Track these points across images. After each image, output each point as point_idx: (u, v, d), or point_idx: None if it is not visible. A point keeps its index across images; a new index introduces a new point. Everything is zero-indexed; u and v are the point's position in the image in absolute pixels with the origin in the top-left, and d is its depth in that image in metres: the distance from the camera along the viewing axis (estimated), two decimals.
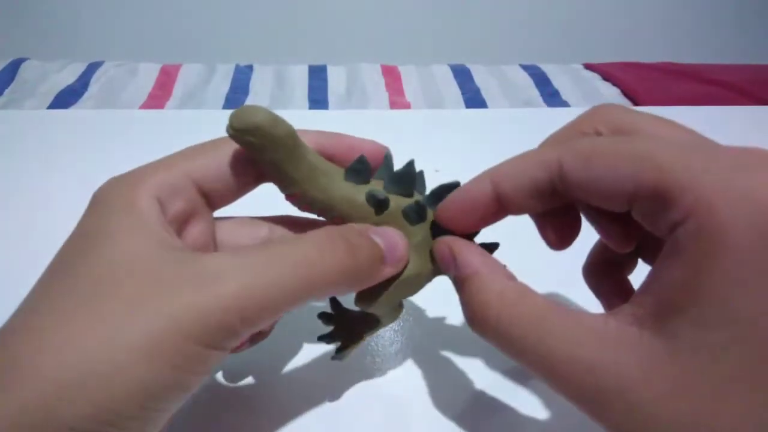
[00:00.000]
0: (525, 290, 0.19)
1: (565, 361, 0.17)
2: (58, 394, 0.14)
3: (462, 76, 0.62)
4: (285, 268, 0.17)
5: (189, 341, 0.15)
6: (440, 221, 0.22)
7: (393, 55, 0.75)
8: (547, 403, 0.26)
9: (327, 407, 0.26)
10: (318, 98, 0.58)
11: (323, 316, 0.25)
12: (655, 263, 0.17)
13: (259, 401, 0.26)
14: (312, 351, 0.28)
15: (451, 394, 0.27)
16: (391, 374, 0.27)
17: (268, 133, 0.19)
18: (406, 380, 0.27)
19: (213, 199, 0.21)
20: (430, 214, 0.22)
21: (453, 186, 0.22)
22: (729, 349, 0.14)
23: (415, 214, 0.22)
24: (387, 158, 0.22)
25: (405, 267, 0.22)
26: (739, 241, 0.14)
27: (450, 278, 0.21)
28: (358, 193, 0.21)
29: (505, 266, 0.21)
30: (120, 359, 0.15)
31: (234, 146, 0.21)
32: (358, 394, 0.26)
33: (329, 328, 0.25)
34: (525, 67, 0.65)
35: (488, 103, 0.58)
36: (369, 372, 0.27)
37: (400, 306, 0.24)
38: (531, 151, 0.20)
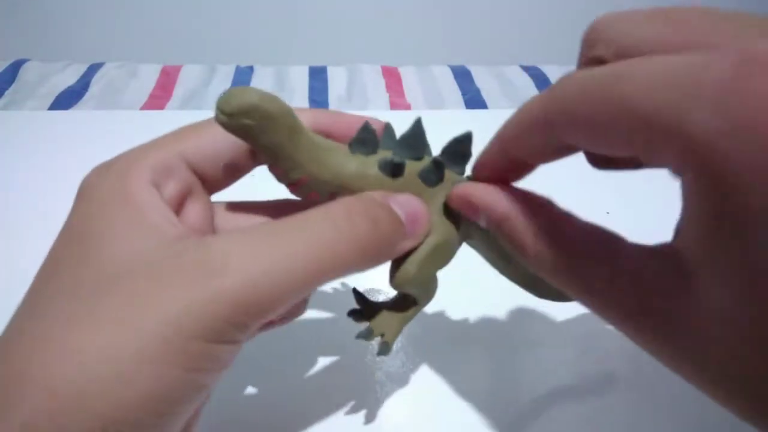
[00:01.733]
0: (559, 224, 0.17)
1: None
2: (64, 409, 0.13)
3: (462, 77, 0.62)
4: (296, 251, 0.16)
5: (194, 339, 0.15)
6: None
7: (393, 56, 0.75)
8: (550, 397, 0.26)
9: (326, 406, 0.26)
10: (318, 99, 0.58)
11: (354, 314, 0.23)
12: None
13: (259, 402, 0.26)
14: (311, 351, 0.28)
15: (452, 393, 0.27)
16: (391, 373, 0.27)
17: (266, 112, 0.17)
18: (406, 379, 0.27)
19: (208, 180, 0.20)
20: (448, 174, 0.21)
21: (465, 138, 0.21)
22: None
23: (433, 175, 0.20)
24: (388, 128, 0.21)
25: (428, 236, 0.20)
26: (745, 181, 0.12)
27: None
28: (369, 165, 0.20)
29: (543, 199, 0.19)
30: (124, 366, 0.14)
31: None
32: (357, 393, 0.26)
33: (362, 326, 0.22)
34: (525, 68, 0.65)
35: (488, 103, 0.58)
36: (370, 371, 0.27)
37: (435, 281, 0.22)
38: (526, 111, 0.18)
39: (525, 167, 0.20)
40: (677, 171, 0.14)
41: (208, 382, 0.16)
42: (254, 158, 0.21)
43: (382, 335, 0.21)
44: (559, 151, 0.18)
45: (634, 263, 0.16)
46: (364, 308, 0.23)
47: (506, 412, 0.26)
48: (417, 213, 0.20)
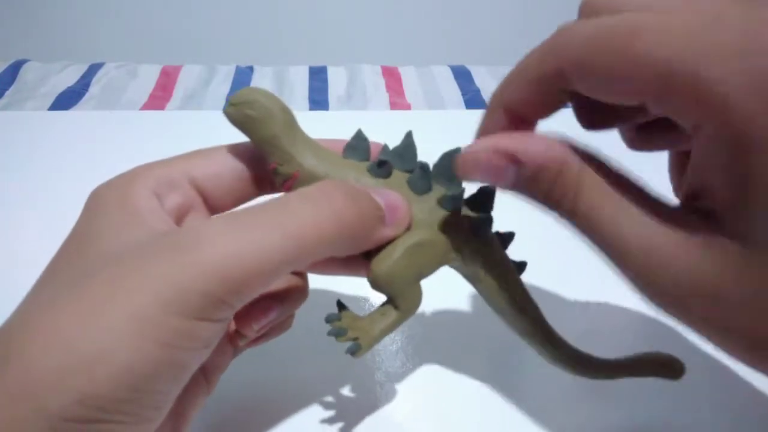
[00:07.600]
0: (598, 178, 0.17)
1: (640, 249, 0.15)
2: (44, 383, 0.14)
3: (462, 77, 0.62)
4: (272, 227, 0.17)
5: (171, 314, 0.15)
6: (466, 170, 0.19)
7: (393, 56, 0.75)
8: (550, 397, 0.26)
9: (325, 406, 0.26)
10: (318, 99, 0.58)
11: (331, 317, 0.21)
12: (693, 160, 0.15)
13: (258, 401, 0.26)
14: (310, 351, 0.28)
15: (452, 393, 0.27)
16: (391, 373, 0.27)
17: (266, 106, 0.20)
18: (406, 379, 0.27)
19: (211, 200, 0.21)
20: (436, 189, 0.21)
21: (455, 152, 0.21)
22: None
23: (420, 181, 0.21)
24: (385, 148, 0.22)
25: (408, 229, 0.20)
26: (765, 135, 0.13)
27: (500, 185, 0.18)
28: (360, 168, 0.21)
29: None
30: (102, 340, 0.14)
31: (232, 151, 0.21)
32: (357, 393, 0.26)
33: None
34: None
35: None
36: (370, 371, 0.27)
37: (418, 291, 0.21)
38: (528, 64, 0.19)
39: (525, 127, 0.19)
40: (688, 122, 0.15)
41: (187, 361, 0.16)
42: (257, 185, 0.22)
43: (356, 338, 0.21)
44: (561, 101, 0.18)
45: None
46: (343, 315, 0.21)
47: (507, 411, 0.26)
48: (396, 202, 0.20)
